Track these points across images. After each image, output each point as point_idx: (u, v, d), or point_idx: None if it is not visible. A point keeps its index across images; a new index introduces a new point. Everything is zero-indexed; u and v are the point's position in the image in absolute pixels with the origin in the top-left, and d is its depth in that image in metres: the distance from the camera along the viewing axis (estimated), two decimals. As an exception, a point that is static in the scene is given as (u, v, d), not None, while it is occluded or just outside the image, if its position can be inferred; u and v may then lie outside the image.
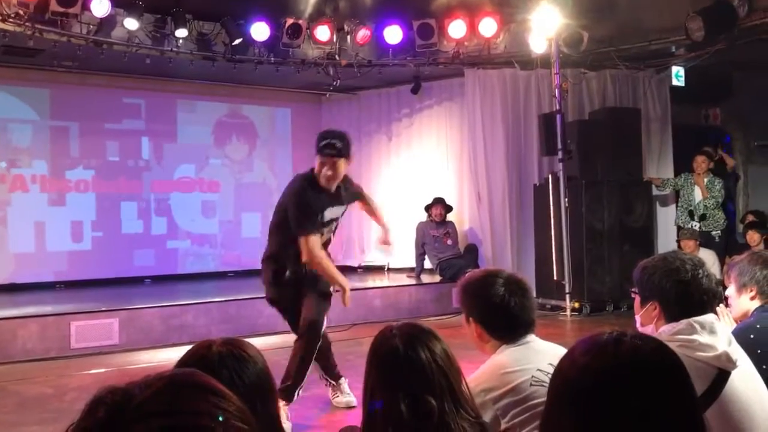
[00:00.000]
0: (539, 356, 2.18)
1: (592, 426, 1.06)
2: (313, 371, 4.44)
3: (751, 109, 10.28)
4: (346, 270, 8.23)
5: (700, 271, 2.13)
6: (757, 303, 2.68)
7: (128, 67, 8.48)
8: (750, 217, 9.11)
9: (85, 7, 7.05)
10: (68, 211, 9.11)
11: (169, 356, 5.80)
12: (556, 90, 8.09)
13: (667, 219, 9.33)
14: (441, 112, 9.95)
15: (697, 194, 8.65)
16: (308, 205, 4.20)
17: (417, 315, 7.71)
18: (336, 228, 4.56)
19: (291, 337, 4.46)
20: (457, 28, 8.39)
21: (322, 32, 8.28)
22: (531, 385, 2.09)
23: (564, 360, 1.17)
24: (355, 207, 4.95)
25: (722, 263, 7.82)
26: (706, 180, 8.63)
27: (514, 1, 8.23)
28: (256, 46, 8.32)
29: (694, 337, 2.02)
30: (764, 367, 2.26)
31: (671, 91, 9.44)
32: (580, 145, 8.20)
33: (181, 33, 7.81)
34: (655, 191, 9.06)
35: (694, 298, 2.11)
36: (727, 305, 2.83)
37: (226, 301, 7.34)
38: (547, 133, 8.21)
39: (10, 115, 8.80)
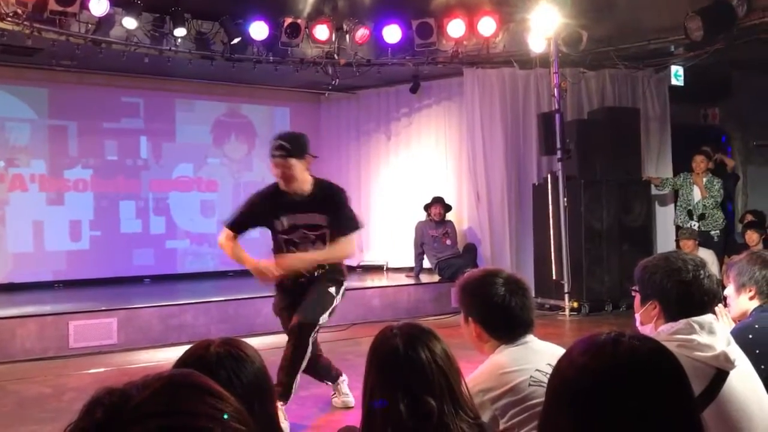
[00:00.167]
0: (538, 356, 2.17)
1: (590, 426, 1.06)
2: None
3: (750, 108, 10.28)
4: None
5: (702, 271, 2.13)
6: (755, 303, 2.68)
7: (127, 67, 8.48)
8: (749, 217, 9.10)
9: (84, 6, 7.04)
10: (67, 210, 9.10)
11: (168, 356, 5.79)
12: (555, 89, 8.09)
13: (666, 219, 9.33)
14: (440, 111, 9.94)
15: (696, 194, 8.65)
16: (248, 203, 4.32)
17: (416, 314, 7.69)
18: (321, 236, 4.22)
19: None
20: (456, 28, 8.39)
21: (321, 31, 8.28)
22: (529, 385, 2.09)
23: (562, 360, 1.17)
24: (357, 207, 4.91)
25: (721, 263, 7.81)
26: (705, 180, 8.63)
27: (513, 0, 8.23)
28: (255, 46, 8.31)
29: (693, 336, 2.02)
30: (762, 367, 2.26)
31: (670, 90, 9.44)
32: (579, 145, 8.20)
33: (180, 32, 7.80)
34: (654, 191, 9.05)
35: (694, 298, 2.11)
36: (725, 305, 2.83)
37: (225, 300, 7.32)
38: (546, 132, 8.20)
39: (8, 115, 8.79)
